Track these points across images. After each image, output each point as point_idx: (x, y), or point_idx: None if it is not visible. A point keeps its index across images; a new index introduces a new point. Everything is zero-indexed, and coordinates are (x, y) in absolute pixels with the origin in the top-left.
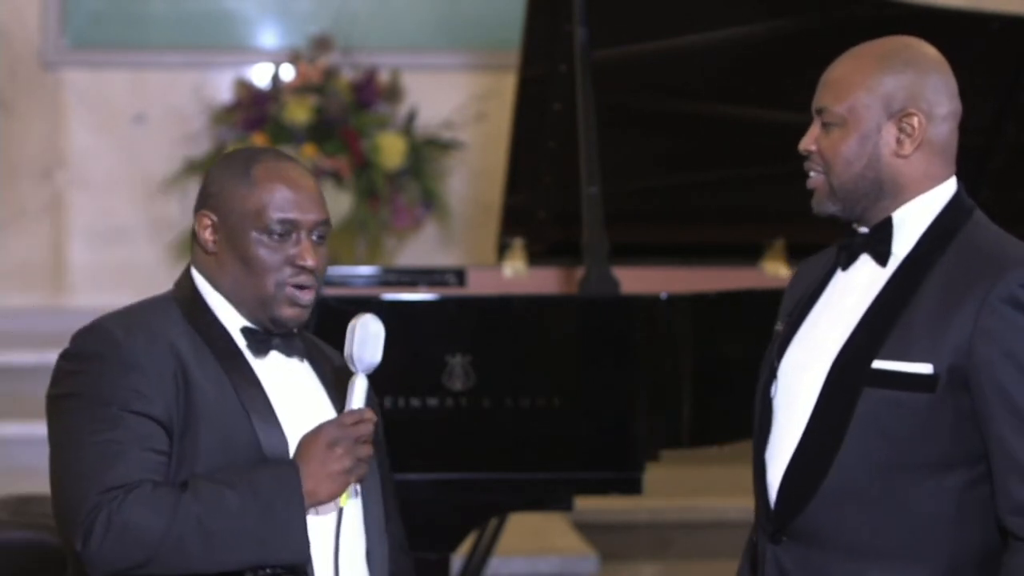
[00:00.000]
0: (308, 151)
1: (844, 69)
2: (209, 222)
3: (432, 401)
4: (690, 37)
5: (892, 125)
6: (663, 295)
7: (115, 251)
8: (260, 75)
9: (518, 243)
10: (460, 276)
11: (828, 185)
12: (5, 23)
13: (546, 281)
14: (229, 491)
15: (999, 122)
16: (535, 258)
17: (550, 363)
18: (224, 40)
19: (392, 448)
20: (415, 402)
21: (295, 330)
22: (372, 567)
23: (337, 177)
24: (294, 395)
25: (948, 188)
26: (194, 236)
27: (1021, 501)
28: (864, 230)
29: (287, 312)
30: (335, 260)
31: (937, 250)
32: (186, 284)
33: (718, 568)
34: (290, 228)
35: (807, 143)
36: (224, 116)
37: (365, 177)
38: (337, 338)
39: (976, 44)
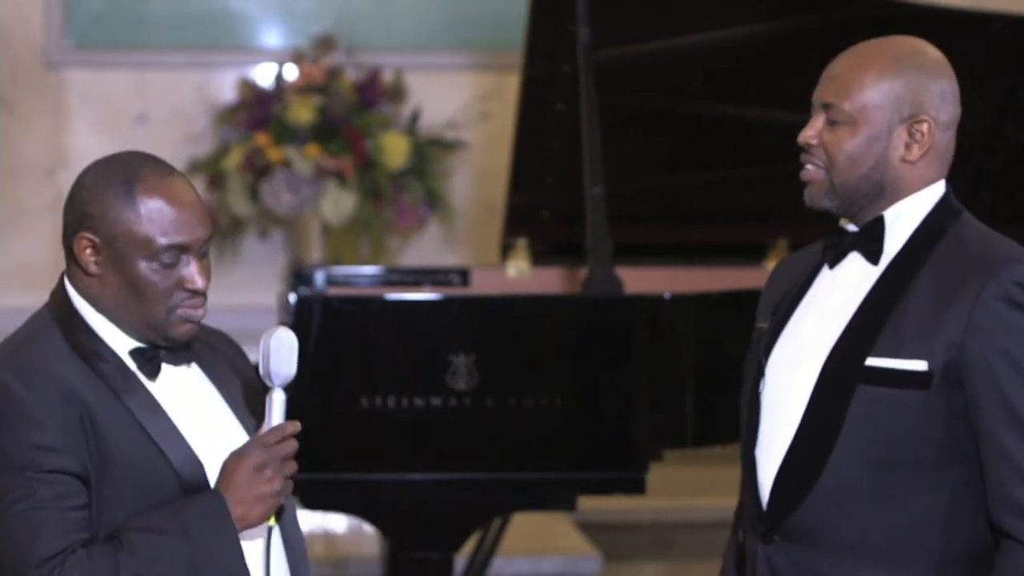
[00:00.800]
0: (312, 151)
1: (853, 66)
2: (89, 244)
3: (436, 401)
4: (693, 37)
5: (903, 130)
6: (666, 295)
7: None
8: (263, 75)
9: (522, 243)
10: (464, 276)
11: (828, 181)
12: (8, 23)
13: (550, 281)
14: (162, 539)
15: (1000, 122)
16: (539, 258)
17: (553, 363)
18: (227, 40)
19: (396, 448)
20: (419, 402)
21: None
22: None
23: (341, 177)
24: (193, 410)
25: (938, 189)
26: (70, 255)
27: (1014, 499)
28: (852, 227)
29: (181, 330)
30: (339, 260)
31: (927, 248)
32: (63, 302)
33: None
34: (179, 252)
35: (809, 136)
36: (227, 116)
37: (368, 177)
38: (340, 338)
39: (977, 44)
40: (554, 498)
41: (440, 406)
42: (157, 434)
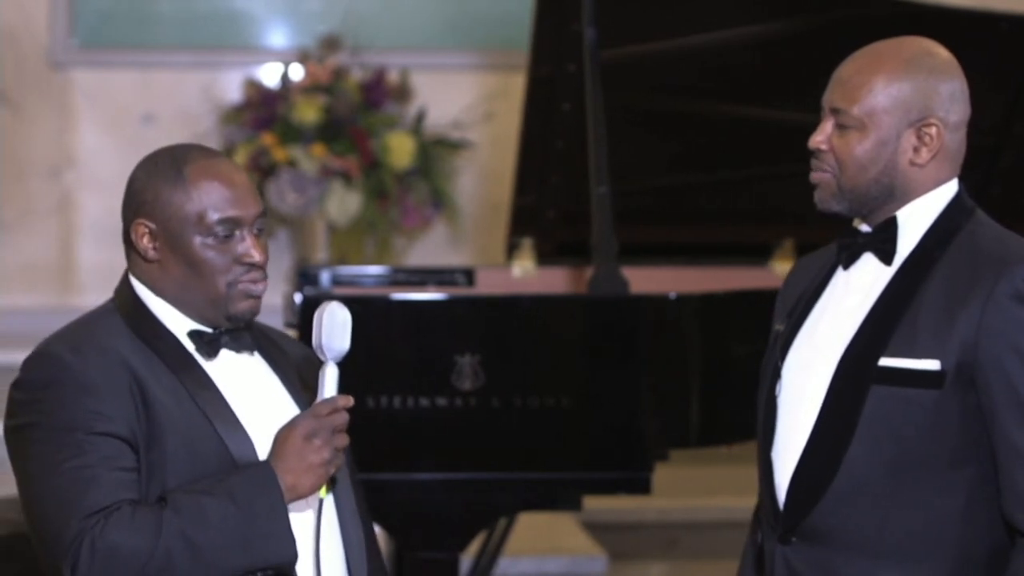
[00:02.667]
0: (317, 151)
1: (862, 69)
2: (146, 230)
3: (441, 401)
4: (698, 37)
5: (911, 133)
6: (672, 295)
7: (123, 251)
8: (269, 75)
9: (527, 243)
10: (469, 276)
11: (837, 185)
12: (13, 23)
13: (555, 281)
14: (209, 501)
15: (1009, 121)
16: (544, 258)
17: (559, 363)
18: (233, 40)
19: (401, 448)
20: (424, 402)
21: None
22: (351, 559)
23: (346, 177)
24: (250, 392)
25: (950, 188)
26: (130, 244)
27: None
28: (866, 228)
29: (243, 306)
30: (344, 260)
31: (940, 248)
32: (126, 293)
33: (727, 568)
34: (232, 227)
35: (819, 141)
36: (233, 116)
37: (374, 177)
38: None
39: (985, 43)
40: (559, 498)
41: (445, 406)
42: (208, 409)
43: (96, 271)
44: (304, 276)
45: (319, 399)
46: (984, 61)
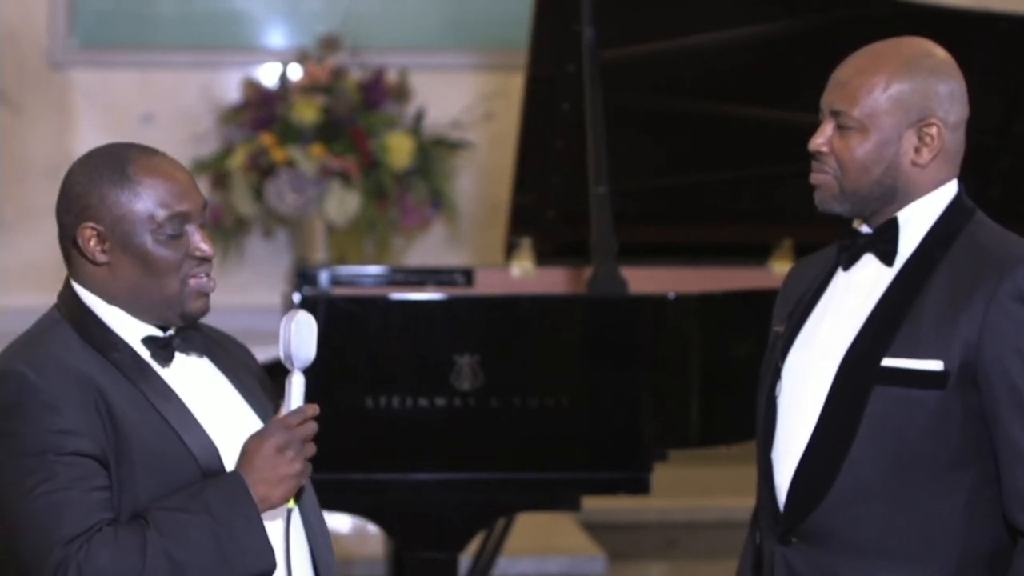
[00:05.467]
0: (316, 151)
1: (861, 71)
2: (94, 232)
3: (440, 401)
4: (696, 37)
5: (912, 134)
6: (671, 295)
7: None
8: (268, 75)
9: (526, 243)
10: (468, 276)
11: (838, 186)
12: (13, 23)
13: (554, 281)
14: (188, 519)
15: (1008, 122)
16: (543, 258)
17: (558, 363)
18: (232, 40)
19: (401, 448)
20: (423, 402)
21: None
22: (319, 566)
23: (345, 177)
24: (206, 397)
25: (950, 189)
26: (73, 249)
27: None
28: (866, 229)
29: (196, 305)
30: (343, 260)
31: (942, 248)
32: (72, 302)
33: (726, 568)
34: (182, 222)
35: (819, 143)
36: (232, 116)
37: (373, 177)
38: (344, 338)
39: (985, 44)
40: (559, 498)
41: (445, 406)
42: (173, 419)
43: None
44: (303, 276)
45: (286, 409)
46: (983, 61)
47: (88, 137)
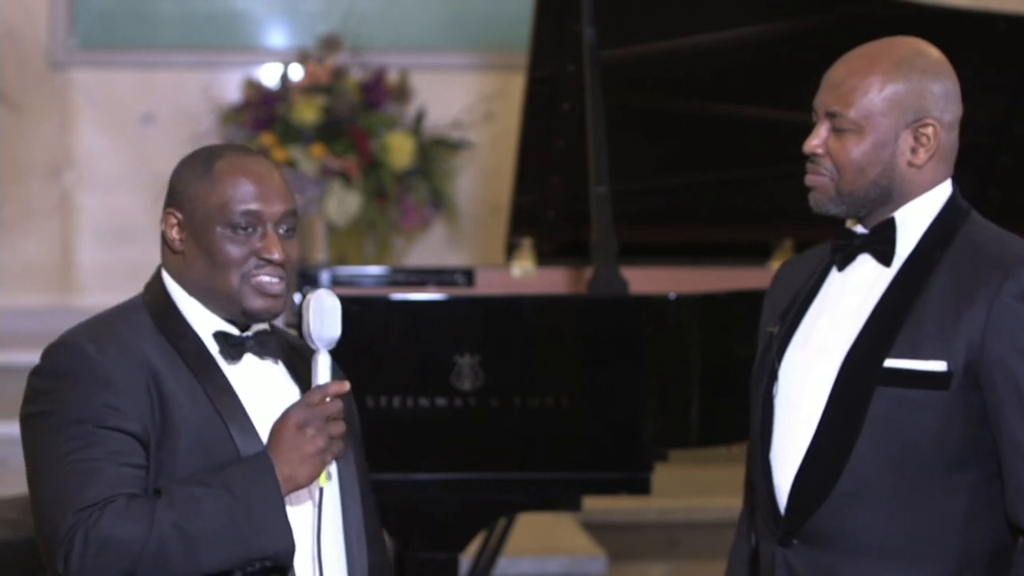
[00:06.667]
0: (317, 151)
1: (855, 72)
2: (175, 220)
3: (441, 401)
4: (697, 37)
5: (908, 134)
6: (671, 295)
7: (123, 251)
8: (269, 75)
9: (527, 243)
10: (469, 276)
11: (834, 188)
12: (14, 23)
13: (555, 281)
14: (203, 492)
15: (1008, 122)
16: (544, 258)
17: (559, 363)
18: (233, 40)
19: (401, 448)
20: (424, 402)
21: (269, 327)
22: (351, 552)
23: (346, 177)
24: (269, 399)
25: (945, 189)
26: (162, 236)
27: None
28: (861, 229)
29: (257, 303)
30: (344, 260)
31: (940, 248)
32: (156, 287)
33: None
34: (254, 221)
35: (815, 145)
36: (233, 116)
37: (374, 177)
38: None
39: (984, 44)
40: (559, 498)
41: (445, 406)
42: (224, 412)
43: (96, 271)
44: (304, 276)
45: (312, 388)
46: (983, 61)
47: (88, 137)
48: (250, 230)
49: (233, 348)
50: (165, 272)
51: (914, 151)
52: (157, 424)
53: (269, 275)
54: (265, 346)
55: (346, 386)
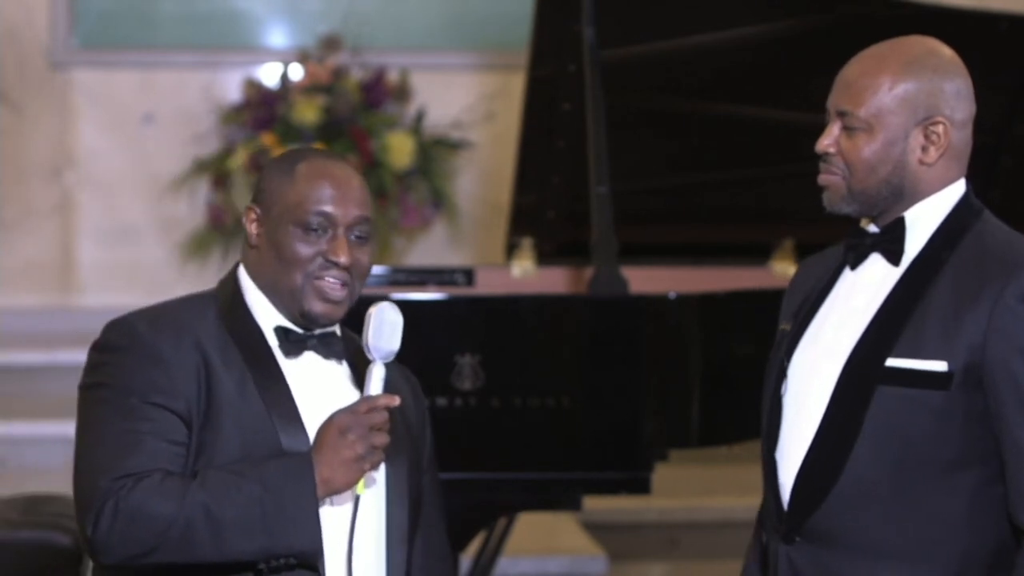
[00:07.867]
0: None
1: (867, 71)
2: (255, 215)
3: (441, 401)
4: (699, 37)
5: (919, 133)
6: (672, 295)
7: (124, 251)
8: (269, 75)
9: (527, 243)
10: (469, 276)
11: (846, 187)
12: (14, 23)
13: (555, 281)
14: (238, 480)
15: (1009, 122)
16: (544, 258)
17: (559, 363)
18: (233, 40)
19: None
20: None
21: (335, 330)
22: (392, 564)
23: None
24: (324, 398)
25: (958, 188)
26: (244, 229)
27: None
28: (873, 228)
29: (317, 307)
30: None
31: (948, 249)
32: (230, 280)
33: (727, 568)
34: (327, 223)
35: (826, 144)
36: (233, 116)
37: (374, 177)
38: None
39: (985, 44)
40: (559, 498)
41: (445, 406)
42: (271, 403)
43: (96, 271)
44: None
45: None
46: (984, 61)
47: (88, 137)
48: (321, 232)
49: (293, 344)
50: (241, 265)
51: (925, 149)
52: (202, 408)
53: (333, 278)
54: (330, 347)
55: (396, 400)
